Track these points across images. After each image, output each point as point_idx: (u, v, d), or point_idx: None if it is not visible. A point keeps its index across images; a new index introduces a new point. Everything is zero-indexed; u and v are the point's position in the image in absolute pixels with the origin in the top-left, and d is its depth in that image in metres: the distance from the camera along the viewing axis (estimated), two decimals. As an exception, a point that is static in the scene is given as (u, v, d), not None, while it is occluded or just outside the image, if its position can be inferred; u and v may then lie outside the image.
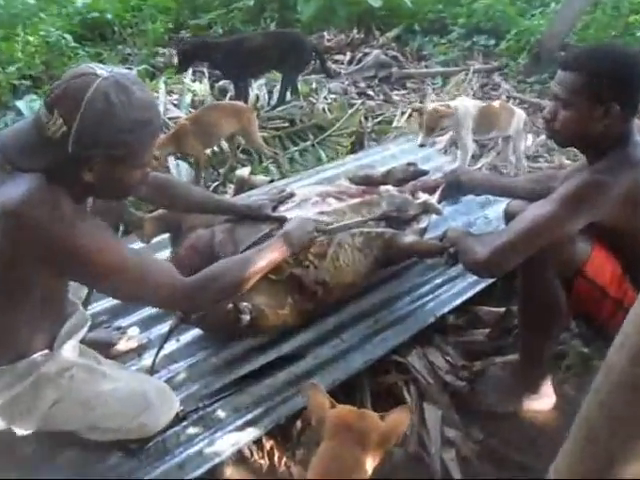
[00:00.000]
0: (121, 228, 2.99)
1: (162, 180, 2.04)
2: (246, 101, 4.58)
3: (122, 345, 2.21)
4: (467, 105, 3.41)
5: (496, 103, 3.62)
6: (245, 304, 2.04)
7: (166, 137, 3.50)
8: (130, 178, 1.51)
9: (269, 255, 1.84)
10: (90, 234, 1.42)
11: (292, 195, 2.46)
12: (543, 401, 2.13)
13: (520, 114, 3.67)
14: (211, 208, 2.27)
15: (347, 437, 1.32)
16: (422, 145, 3.26)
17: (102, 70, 1.40)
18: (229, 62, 4.50)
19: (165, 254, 2.49)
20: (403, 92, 5.72)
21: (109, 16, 6.49)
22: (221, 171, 3.94)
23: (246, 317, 2.02)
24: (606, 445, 1.21)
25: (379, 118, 4.92)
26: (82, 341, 1.75)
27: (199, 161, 3.72)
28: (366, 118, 4.88)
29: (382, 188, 2.65)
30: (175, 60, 5.73)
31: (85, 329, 1.74)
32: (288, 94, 4.93)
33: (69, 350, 1.62)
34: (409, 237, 2.44)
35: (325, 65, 5.28)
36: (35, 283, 1.44)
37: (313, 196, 2.46)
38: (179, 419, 1.97)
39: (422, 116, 3.19)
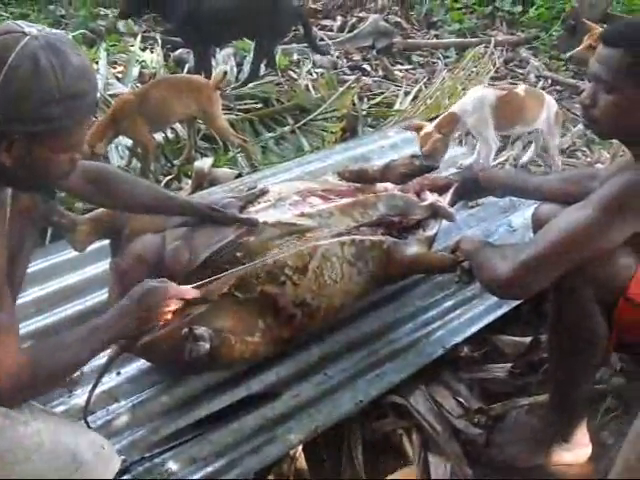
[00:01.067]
0: (49, 232, 3.00)
1: (98, 171, 2.05)
2: (208, 75, 4.58)
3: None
4: (483, 94, 3.47)
5: (520, 89, 3.65)
6: (204, 329, 2.03)
7: (105, 117, 3.51)
8: (53, 163, 1.53)
9: (108, 332, 1.73)
10: None
11: (265, 192, 2.47)
12: (577, 452, 2.15)
13: (551, 102, 3.72)
14: (162, 207, 2.27)
15: None
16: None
17: (31, 28, 1.42)
18: (189, 23, 4.50)
19: (103, 265, 2.50)
20: (407, 67, 5.80)
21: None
22: (176, 162, 3.96)
23: (205, 345, 1.99)
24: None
25: (377, 99, 4.97)
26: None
27: (147, 148, 3.73)
28: (360, 99, 4.94)
29: (379, 186, 2.68)
30: (120, 24, 5.77)
31: None
32: (262, 67, 4.96)
33: None
34: (413, 248, 2.46)
35: (310, 33, 5.31)
36: None
37: (292, 194, 2.47)
38: (121, 472, 1.97)
39: (419, 137, 3.21)
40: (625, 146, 2.00)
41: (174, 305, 1.80)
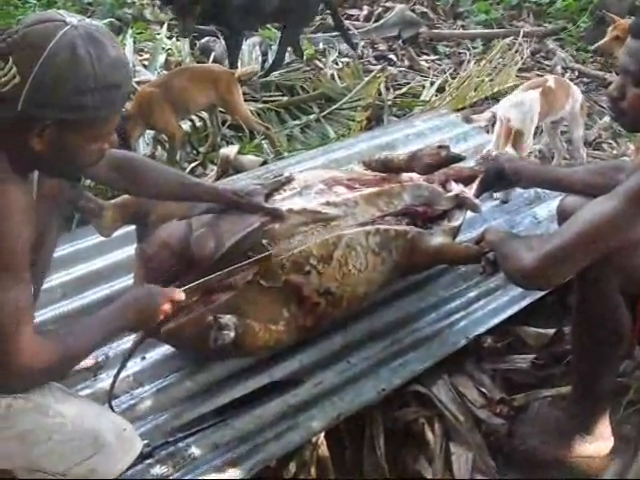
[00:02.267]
0: (76, 218, 3.02)
1: (124, 158, 2.05)
2: (235, 63, 4.60)
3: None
4: (532, 100, 3.43)
5: (550, 81, 3.61)
6: (228, 317, 2.04)
7: (132, 112, 3.52)
8: (83, 151, 1.55)
9: (104, 333, 1.73)
10: (5, 214, 1.43)
11: (290, 180, 2.47)
12: (599, 444, 2.14)
13: (577, 92, 3.71)
14: (188, 194, 2.26)
15: None
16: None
17: (72, 18, 1.44)
18: (221, 9, 4.47)
19: (129, 251, 2.52)
20: (434, 58, 5.79)
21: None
22: (201, 149, 3.97)
23: (229, 334, 2.00)
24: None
25: (403, 89, 4.96)
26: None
27: (174, 137, 3.74)
28: (387, 89, 4.91)
29: (404, 176, 2.67)
30: (147, 12, 5.76)
31: None
32: (287, 55, 4.95)
33: None
34: (438, 238, 2.46)
35: (340, 23, 5.28)
36: None
37: (317, 183, 2.46)
38: (144, 456, 1.99)
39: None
40: (653, 139, 1.99)
41: (167, 307, 1.79)
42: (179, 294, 1.82)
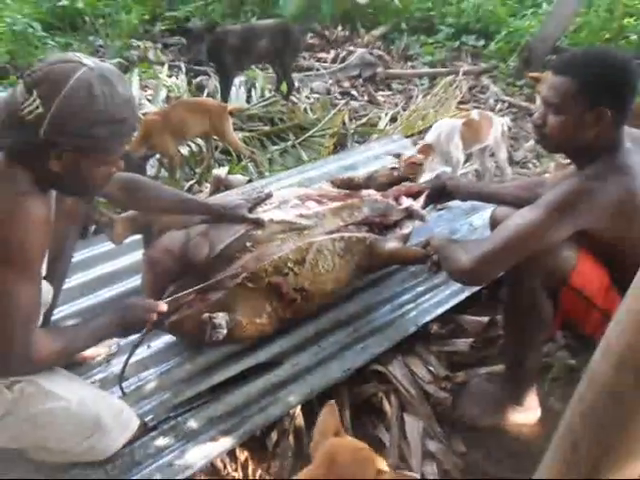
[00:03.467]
0: (92, 228, 3.00)
1: (129, 180, 2.03)
2: (226, 98, 4.60)
3: (90, 351, 2.20)
4: (454, 125, 3.51)
5: (475, 114, 3.66)
6: (222, 315, 2.04)
7: (137, 137, 3.50)
8: (96, 174, 1.54)
9: (97, 334, 1.71)
10: (27, 222, 1.41)
11: (270, 196, 2.47)
12: (528, 414, 2.17)
13: (498, 123, 3.74)
14: (183, 208, 2.25)
15: (333, 472, 1.28)
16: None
17: (88, 60, 1.44)
18: (219, 53, 4.47)
19: (137, 256, 2.50)
20: (388, 93, 5.79)
21: (80, 5, 6.45)
22: (197, 170, 3.96)
23: (223, 331, 2.01)
24: (589, 453, 1.25)
25: (363, 119, 4.97)
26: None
27: (173, 160, 3.73)
28: (350, 119, 4.93)
29: (364, 192, 2.69)
30: (150, 54, 5.74)
31: None
32: (267, 92, 4.96)
33: None
34: (391, 243, 2.47)
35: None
36: None
37: (293, 198, 2.48)
38: (148, 429, 1.99)
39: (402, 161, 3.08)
40: (569, 158, 2.00)
41: (151, 317, 1.77)
42: (162, 306, 1.80)
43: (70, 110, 1.38)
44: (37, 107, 1.37)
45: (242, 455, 2.04)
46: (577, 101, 1.77)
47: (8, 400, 1.56)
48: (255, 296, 2.17)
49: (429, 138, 3.48)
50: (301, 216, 2.36)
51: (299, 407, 2.15)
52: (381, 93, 5.76)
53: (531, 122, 2.03)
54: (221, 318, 2.03)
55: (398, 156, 2.91)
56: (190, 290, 2.06)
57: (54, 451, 1.72)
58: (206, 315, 2.02)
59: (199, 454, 1.94)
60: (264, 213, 2.36)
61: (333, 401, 1.48)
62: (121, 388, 1.91)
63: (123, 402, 1.89)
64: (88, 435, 1.72)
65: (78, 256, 2.51)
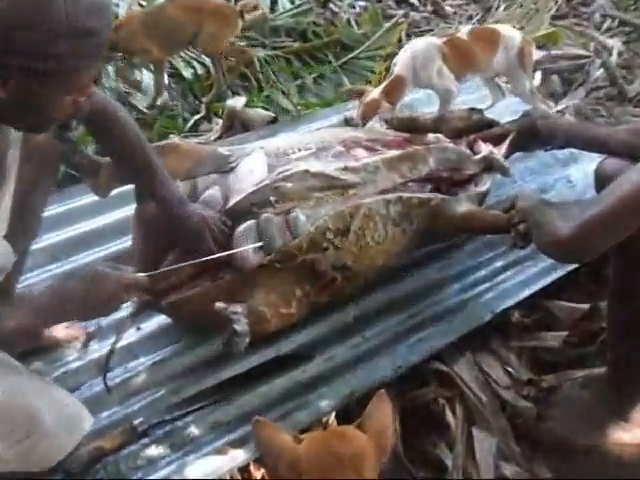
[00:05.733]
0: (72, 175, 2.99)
1: (102, 104, 1.94)
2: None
3: (61, 332, 2.19)
4: (427, 45, 3.23)
5: (462, 32, 3.36)
6: (240, 308, 2.01)
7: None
8: (53, 105, 1.52)
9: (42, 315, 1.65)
10: None
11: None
12: (636, 432, 2.13)
13: (511, 40, 3.36)
14: (139, 178, 2.16)
15: (336, 472, 1.31)
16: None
17: None
18: None
19: (127, 211, 2.50)
20: (459, 2, 5.74)
21: None
22: (204, 99, 3.94)
23: (245, 341, 1.99)
24: None
25: (427, 36, 4.90)
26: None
27: (160, 64, 3.78)
28: (409, 35, 4.88)
29: (430, 136, 2.65)
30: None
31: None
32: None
33: None
34: (464, 205, 2.45)
35: None
36: None
37: (335, 144, 2.45)
38: (138, 435, 1.99)
39: (362, 105, 3.03)
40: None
41: (126, 295, 1.69)
42: (142, 280, 1.74)
43: (17, 19, 1.33)
44: None
45: (258, 473, 2.03)
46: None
47: None
48: (282, 278, 2.16)
49: (398, 68, 3.21)
50: (346, 169, 2.32)
51: (333, 414, 2.15)
52: (450, 2, 5.72)
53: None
54: (240, 314, 1.98)
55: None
56: (195, 261, 2.01)
57: None
58: (220, 304, 1.99)
59: (202, 469, 1.95)
60: (298, 161, 2.32)
61: (384, 391, 1.48)
62: (105, 382, 1.91)
63: (68, 393, 1.84)
64: (21, 437, 1.66)
65: (49, 211, 2.47)
